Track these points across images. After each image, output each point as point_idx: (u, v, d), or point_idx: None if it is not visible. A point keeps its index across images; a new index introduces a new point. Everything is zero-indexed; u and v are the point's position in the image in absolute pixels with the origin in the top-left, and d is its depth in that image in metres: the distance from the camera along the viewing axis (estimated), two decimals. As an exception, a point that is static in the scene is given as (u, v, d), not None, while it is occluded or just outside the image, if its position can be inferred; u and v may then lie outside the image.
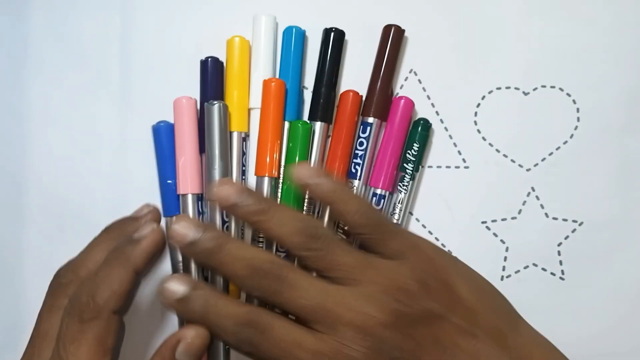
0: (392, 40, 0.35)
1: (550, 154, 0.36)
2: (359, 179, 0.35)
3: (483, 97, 0.36)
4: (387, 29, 0.35)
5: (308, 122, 0.35)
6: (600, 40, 0.36)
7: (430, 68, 0.36)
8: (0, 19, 0.37)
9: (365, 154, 0.35)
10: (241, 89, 0.35)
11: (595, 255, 0.36)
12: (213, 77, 0.34)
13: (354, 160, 0.35)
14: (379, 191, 0.35)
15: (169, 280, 0.28)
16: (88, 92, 0.37)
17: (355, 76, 0.36)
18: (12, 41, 0.37)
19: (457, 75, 0.36)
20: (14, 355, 0.36)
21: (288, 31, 0.35)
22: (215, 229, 0.30)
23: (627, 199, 0.36)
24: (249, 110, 0.35)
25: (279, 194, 0.34)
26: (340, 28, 0.35)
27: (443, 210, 0.36)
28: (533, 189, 0.36)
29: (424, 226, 0.37)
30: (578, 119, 0.36)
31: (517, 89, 0.36)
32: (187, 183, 0.33)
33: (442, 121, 0.36)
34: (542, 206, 0.36)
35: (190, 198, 0.33)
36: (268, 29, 0.35)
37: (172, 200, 0.34)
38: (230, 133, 0.34)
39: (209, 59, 0.35)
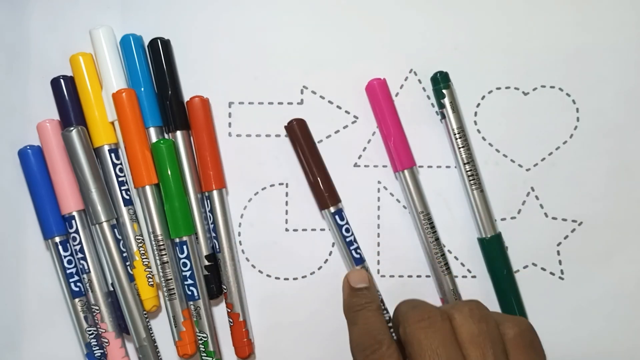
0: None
1: (550, 154, 0.36)
2: None
3: (483, 97, 0.36)
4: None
5: (169, 139, 0.35)
6: (600, 40, 0.36)
7: (430, 68, 0.36)
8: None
9: None
10: (98, 103, 0.34)
11: (595, 255, 0.36)
12: (69, 95, 0.35)
13: None
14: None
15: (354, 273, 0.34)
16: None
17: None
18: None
19: (457, 75, 0.36)
20: (14, 355, 0.36)
21: (125, 40, 0.35)
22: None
23: (626, 199, 0.36)
24: (113, 122, 0.35)
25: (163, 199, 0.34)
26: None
27: (443, 210, 0.36)
28: (532, 189, 0.37)
29: (423, 226, 0.37)
30: (578, 119, 0.36)
31: (517, 89, 0.36)
32: (70, 202, 0.34)
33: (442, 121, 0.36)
34: (541, 206, 0.36)
35: (76, 215, 0.34)
36: (108, 41, 0.34)
37: (55, 220, 0.34)
38: (100, 148, 0.34)
39: (61, 79, 0.35)
